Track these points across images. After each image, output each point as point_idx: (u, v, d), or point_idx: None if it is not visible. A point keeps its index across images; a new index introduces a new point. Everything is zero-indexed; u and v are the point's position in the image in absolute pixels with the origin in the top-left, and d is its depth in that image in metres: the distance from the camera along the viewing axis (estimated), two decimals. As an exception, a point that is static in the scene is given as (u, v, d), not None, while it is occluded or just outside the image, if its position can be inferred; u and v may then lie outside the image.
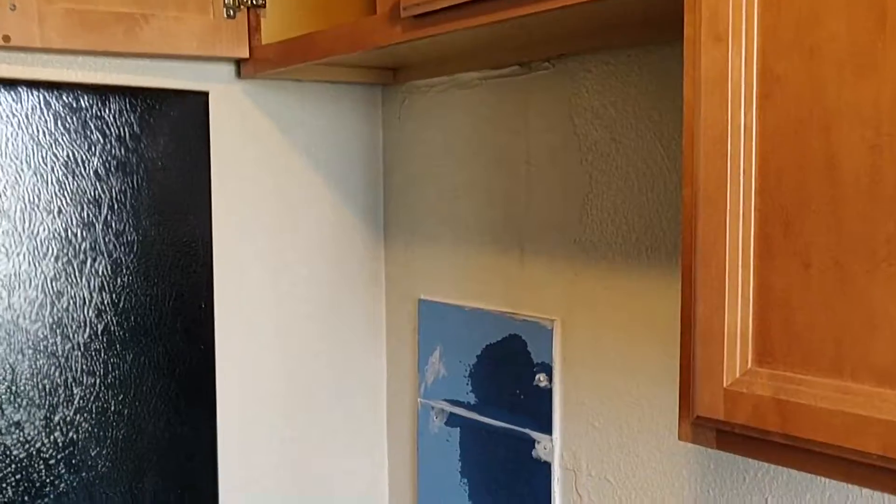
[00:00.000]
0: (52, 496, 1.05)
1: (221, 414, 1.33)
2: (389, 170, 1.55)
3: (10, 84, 1.08)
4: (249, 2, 1.31)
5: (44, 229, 1.00)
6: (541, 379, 1.29)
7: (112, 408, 1.10)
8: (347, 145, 1.51)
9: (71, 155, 1.01)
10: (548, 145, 1.28)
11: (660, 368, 1.16)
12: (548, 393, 1.28)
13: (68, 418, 1.05)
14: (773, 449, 0.71)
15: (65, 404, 1.04)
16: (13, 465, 1.04)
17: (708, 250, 0.74)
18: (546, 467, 1.28)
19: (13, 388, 1.03)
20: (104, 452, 1.09)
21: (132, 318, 1.10)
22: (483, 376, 1.38)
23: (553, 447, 1.27)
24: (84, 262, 1.02)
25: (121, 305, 1.08)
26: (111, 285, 1.06)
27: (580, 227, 1.25)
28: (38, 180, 1.03)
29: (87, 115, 1.03)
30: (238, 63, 1.38)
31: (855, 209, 0.66)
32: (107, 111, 1.03)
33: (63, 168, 1.01)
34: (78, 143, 1.01)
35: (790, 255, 0.70)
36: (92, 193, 1.04)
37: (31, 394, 1.02)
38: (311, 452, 1.48)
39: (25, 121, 1.04)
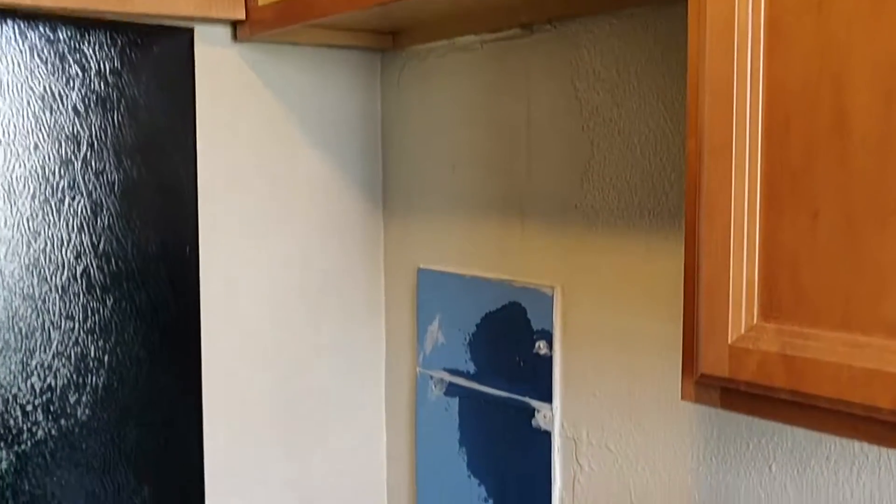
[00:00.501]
0: (29, 443, 1.02)
1: (208, 371, 1.30)
2: (388, 137, 1.53)
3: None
4: (244, -38, 1.28)
5: (19, 166, 0.97)
6: (541, 347, 1.27)
7: (92, 354, 1.07)
8: (346, 112, 1.49)
9: (48, 89, 0.98)
10: (549, 110, 1.26)
11: (662, 334, 1.14)
12: (548, 361, 1.26)
13: (46, 363, 1.02)
14: (780, 406, 0.69)
15: (42, 349, 1.02)
16: (-12, 411, 1.02)
17: (712, 204, 0.72)
18: (546, 436, 1.27)
19: (-13, 330, 1.00)
20: (84, 399, 1.07)
21: (113, 261, 1.07)
22: (482, 345, 1.36)
23: (553, 416, 1.26)
24: (62, 202, 0.99)
25: (101, 248, 1.04)
26: (90, 226, 1.03)
27: (581, 192, 1.22)
28: (12, 115, 0.99)
29: (66, 49, 1.00)
30: (234, 25, 1.35)
31: (865, 161, 0.64)
32: (86, 44, 1.00)
33: (40, 102, 0.98)
34: (56, 76, 0.98)
35: (798, 209, 0.67)
36: (70, 130, 1.01)
37: (7, 337, 1.00)
38: (306, 421, 1.47)
39: (-1, 52, 1.00)
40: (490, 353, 1.35)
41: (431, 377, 1.44)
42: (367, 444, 1.54)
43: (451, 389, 1.41)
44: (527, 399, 1.29)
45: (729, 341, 0.71)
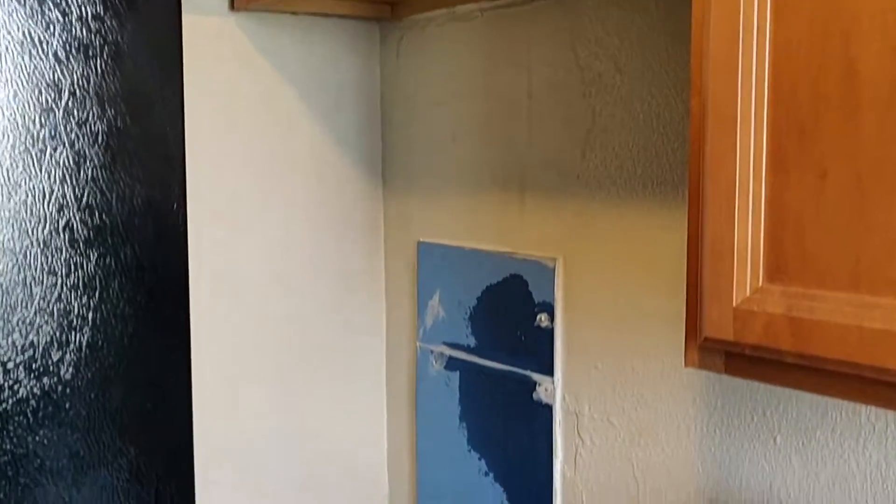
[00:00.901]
0: (10, 402, 1.00)
1: (198, 336, 1.27)
2: (387, 108, 1.51)
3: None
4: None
5: (-2, 114, 0.95)
6: (542, 319, 1.25)
7: (75, 310, 1.05)
8: (344, 83, 1.46)
9: (27, 34, 0.95)
10: (550, 79, 1.24)
11: (665, 306, 1.12)
12: (549, 333, 1.24)
13: (27, 319, 1.00)
14: (786, 371, 0.68)
15: (23, 305, 0.99)
16: (-34, 368, 1.00)
17: (717, 164, 0.70)
18: (547, 410, 1.25)
19: (-34, 284, 0.98)
20: (67, 357, 1.04)
21: (97, 215, 1.04)
22: (483, 318, 1.34)
23: (554, 389, 1.24)
24: (43, 152, 0.96)
25: (84, 201, 1.02)
26: (73, 178, 1.00)
27: (583, 162, 1.20)
28: (-11, 60, 0.96)
29: (45, -9, 0.97)
30: (229, -6, 1.33)
31: (875, 118, 0.62)
32: (67, -13, 0.97)
33: (18, 47, 0.95)
34: (35, 21, 0.95)
35: (805, 167, 0.65)
36: (51, 77, 0.98)
37: (-14, 292, 0.98)
38: (305, 396, 1.45)
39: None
40: (491, 327, 1.33)
41: (432, 351, 1.43)
42: (368, 419, 1.53)
43: (452, 363, 1.39)
44: (528, 372, 1.28)
45: (734, 304, 0.69)
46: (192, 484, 1.21)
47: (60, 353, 1.03)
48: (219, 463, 1.36)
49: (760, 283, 0.68)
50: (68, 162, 1.00)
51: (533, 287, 1.26)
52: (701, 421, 1.09)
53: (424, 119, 1.44)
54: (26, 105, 0.97)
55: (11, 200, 0.96)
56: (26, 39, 0.95)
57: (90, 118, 1.01)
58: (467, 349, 1.37)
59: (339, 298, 1.48)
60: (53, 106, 0.98)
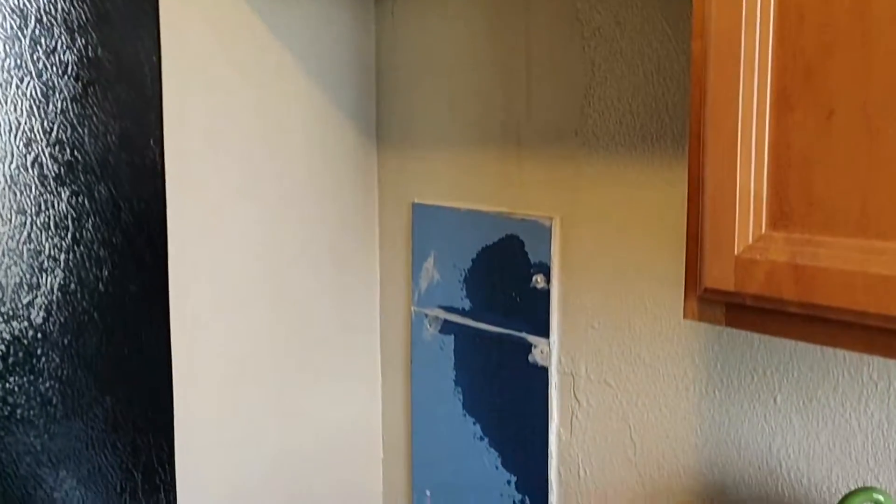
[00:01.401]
0: None
1: (177, 282, 1.22)
2: (382, 69, 1.47)
3: None
4: None
5: (-44, 41, 0.91)
6: (538, 280, 1.23)
7: (46, 251, 1.01)
8: (338, 45, 1.42)
9: None
10: (548, 33, 1.20)
11: (664, 264, 1.10)
12: (545, 294, 1.22)
13: None
14: (789, 321, 0.65)
15: None
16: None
17: (719, 107, 0.67)
18: (543, 372, 1.23)
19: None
20: (38, 301, 1.00)
21: (67, 150, 1.00)
22: (478, 280, 1.32)
23: (550, 351, 1.22)
24: (8, 83, 0.92)
25: (54, 135, 0.97)
26: (41, 111, 0.96)
27: (581, 118, 1.17)
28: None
29: None
30: (217, -53, 1.29)
31: (887, 48, 0.58)
32: None
33: None
34: None
35: (811, 107, 0.62)
36: (14, 2, 0.93)
37: (-52, 229, 0.95)
38: (297, 361, 1.43)
39: None
40: (486, 289, 1.31)
41: (426, 315, 1.40)
42: (362, 384, 1.50)
43: (447, 327, 1.37)
44: (523, 334, 1.25)
45: (735, 253, 0.66)
46: (172, 436, 1.18)
47: (30, 296, 0.99)
48: (202, 425, 1.32)
49: (763, 231, 0.65)
50: (36, 94, 0.95)
51: (529, 247, 1.24)
52: (700, 381, 1.07)
53: (420, 76, 1.40)
54: (-12, 33, 0.93)
55: (-26, 134, 0.93)
56: (-14, -38, 0.91)
57: (59, 47, 0.97)
58: (462, 312, 1.34)
59: (332, 263, 1.45)
60: (19, 34, 0.93)
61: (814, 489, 0.97)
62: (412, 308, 1.43)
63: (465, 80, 1.32)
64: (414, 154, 1.42)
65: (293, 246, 1.40)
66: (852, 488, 0.93)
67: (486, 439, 1.32)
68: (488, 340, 1.30)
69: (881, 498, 0.78)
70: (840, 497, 0.94)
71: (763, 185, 0.65)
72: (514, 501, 1.29)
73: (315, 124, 1.41)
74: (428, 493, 1.43)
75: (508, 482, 1.29)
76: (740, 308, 0.68)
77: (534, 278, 1.23)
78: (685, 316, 0.72)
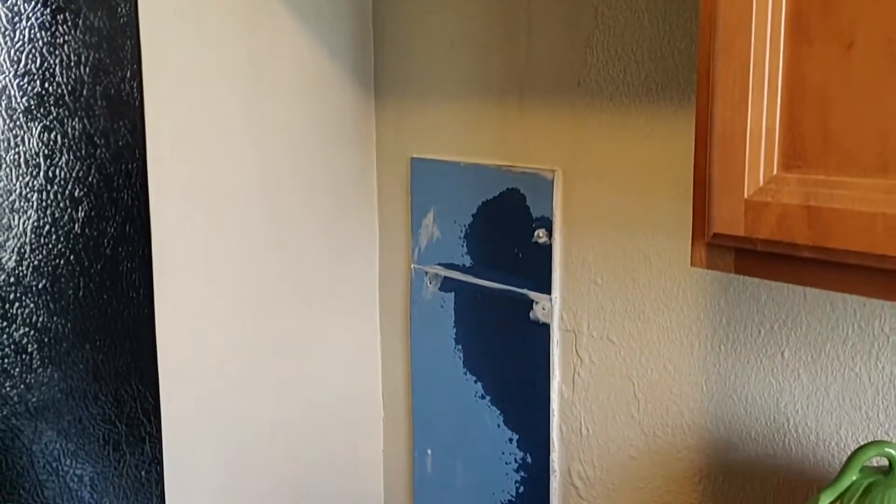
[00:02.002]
0: None
1: (160, 218, 1.15)
2: (379, 16, 1.42)
3: None
4: None
5: None
6: (540, 235, 1.20)
7: (17, 191, 0.96)
8: (331, -9, 1.38)
9: None
10: (549, -23, 1.16)
11: (669, 217, 1.06)
12: (547, 250, 1.19)
13: None
14: (801, 267, 0.62)
15: None
16: None
17: (729, 38, 0.63)
18: (545, 329, 1.21)
19: None
20: (10, 244, 0.96)
21: (37, 82, 0.95)
22: (479, 236, 1.29)
23: (552, 307, 1.19)
24: None
25: (22, 65, 0.93)
26: (8, 39, 0.90)
27: (584, 67, 1.13)
28: None
29: None
30: None
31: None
32: None
33: None
34: None
35: (829, 37, 0.59)
36: None
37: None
38: (295, 320, 1.40)
39: None
40: (487, 245, 1.28)
41: (426, 273, 1.38)
42: (361, 343, 1.48)
43: (447, 284, 1.34)
44: (525, 291, 1.22)
45: (745, 195, 0.63)
46: (157, 386, 1.15)
47: (1, 238, 0.96)
48: (190, 377, 1.28)
49: (775, 172, 0.62)
50: (0, 20, 0.91)
51: (531, 201, 1.20)
52: (705, 337, 1.04)
53: (418, 25, 1.36)
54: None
55: (-69, 66, 0.88)
56: None
57: (22, -33, 0.92)
58: (462, 269, 1.31)
59: (329, 219, 1.42)
60: (-24, -48, 0.88)
61: (822, 444, 0.94)
62: (412, 265, 1.40)
63: (465, 29, 1.28)
64: (412, 107, 1.38)
65: (288, 204, 1.37)
66: (862, 443, 0.91)
67: (488, 398, 1.30)
68: (489, 297, 1.28)
69: (893, 452, 0.76)
70: (849, 452, 0.91)
71: (775, 122, 0.61)
72: (515, 459, 1.27)
73: (310, 75, 1.37)
74: (429, 451, 1.41)
75: (510, 440, 1.27)
76: (750, 254, 0.65)
77: (535, 233, 1.20)
78: (692, 263, 0.69)
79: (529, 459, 1.25)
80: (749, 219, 0.63)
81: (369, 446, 1.51)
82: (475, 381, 1.32)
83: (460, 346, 1.34)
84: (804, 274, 0.62)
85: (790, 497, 0.98)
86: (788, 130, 0.61)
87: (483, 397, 1.31)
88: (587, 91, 1.13)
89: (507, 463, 1.28)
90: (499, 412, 1.29)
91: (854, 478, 0.76)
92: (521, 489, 1.27)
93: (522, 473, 1.26)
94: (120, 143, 1.05)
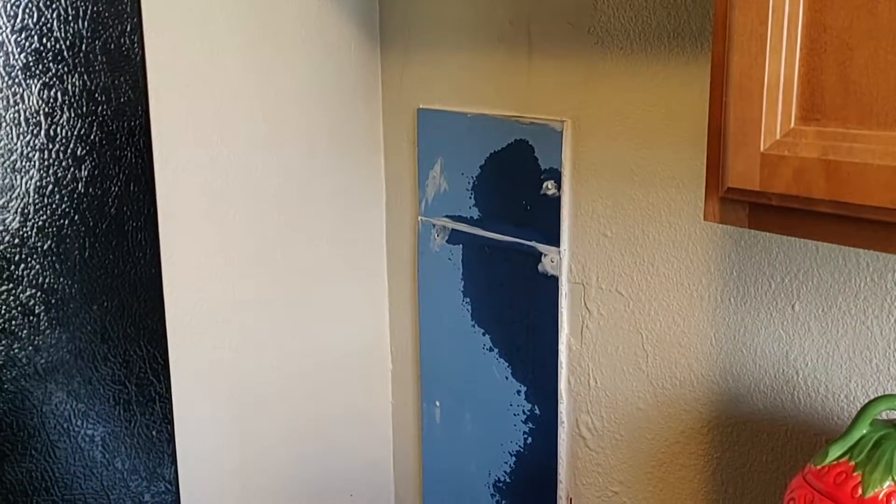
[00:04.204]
0: None
1: (164, 176, 1.13)
2: (382, -36, 1.39)
3: None
4: None
5: None
6: (548, 187, 1.18)
7: (18, 150, 0.95)
8: (335, -64, 1.34)
9: None
10: (559, -80, 1.12)
11: (680, 168, 1.05)
12: (556, 202, 1.18)
13: None
14: (818, 222, 0.61)
15: None
16: None
17: (749, -13, 0.61)
18: (553, 281, 1.20)
19: None
20: (12, 205, 0.95)
21: (35, 37, 0.93)
22: (487, 188, 1.27)
23: (561, 260, 1.19)
24: None
25: (18, 21, 0.91)
26: None
27: (595, 14, 1.10)
28: None
29: None
30: None
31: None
32: None
33: None
34: None
35: (852, -15, 0.57)
36: None
37: None
38: (302, 275, 1.40)
39: None
40: (495, 197, 1.26)
41: (434, 225, 1.37)
42: (368, 296, 1.48)
43: (454, 237, 1.33)
44: (533, 243, 1.22)
45: (761, 148, 0.61)
46: (166, 346, 1.15)
47: (3, 198, 0.94)
48: (199, 337, 1.28)
49: (792, 125, 0.61)
50: None
51: (539, 153, 1.19)
52: (715, 289, 1.04)
53: (422, -26, 1.32)
54: None
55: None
56: None
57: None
58: (470, 221, 1.30)
59: (335, 172, 1.40)
60: None
61: (831, 397, 0.94)
62: (419, 218, 1.39)
63: (471, -25, 1.25)
64: (418, 57, 1.36)
65: (293, 157, 1.35)
66: (872, 396, 0.90)
67: (496, 350, 1.30)
68: (497, 250, 1.27)
69: (904, 406, 0.75)
70: (859, 405, 0.91)
71: (794, 73, 0.60)
72: (523, 412, 1.27)
73: (313, 23, 1.34)
74: (438, 403, 1.42)
75: (518, 392, 1.28)
76: (765, 208, 0.64)
77: (544, 185, 1.19)
78: (706, 218, 0.67)
79: (538, 411, 1.25)
80: (765, 173, 0.61)
81: (378, 398, 1.52)
82: (483, 334, 1.32)
83: (468, 299, 1.33)
84: (820, 229, 0.61)
85: (798, 449, 0.98)
86: (807, 81, 0.59)
87: (491, 350, 1.31)
88: (597, 39, 1.11)
89: (515, 414, 1.29)
90: (507, 364, 1.29)
91: (864, 431, 0.76)
92: (530, 440, 1.27)
93: (530, 425, 1.27)
94: (122, 100, 1.03)
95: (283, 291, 1.37)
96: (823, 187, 0.58)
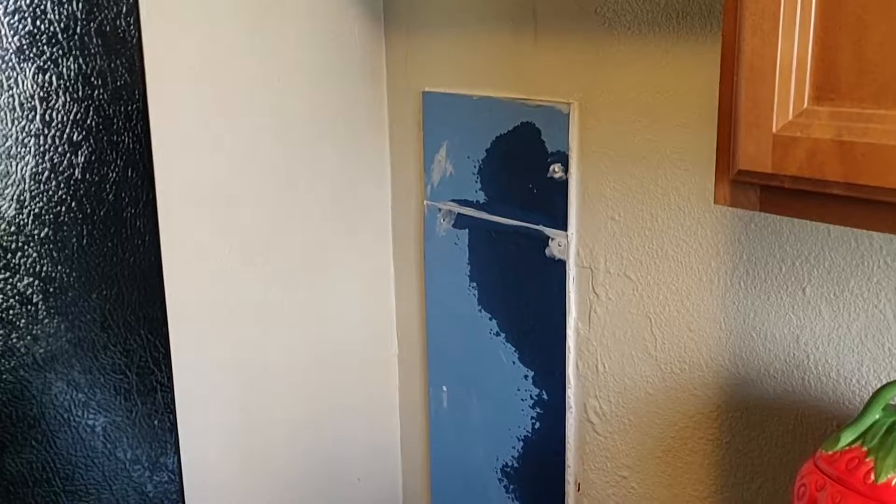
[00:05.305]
0: None
1: (163, 162, 1.11)
2: (386, -55, 1.37)
3: None
4: None
5: None
6: (555, 170, 1.17)
7: (13, 136, 0.93)
8: (337, -83, 1.33)
9: None
10: None
11: (690, 153, 1.03)
12: (563, 185, 1.16)
13: None
14: (831, 204, 0.60)
15: None
16: None
17: (761, -37, 0.59)
18: (560, 266, 1.19)
19: None
20: (8, 192, 0.94)
21: (28, 20, 0.92)
22: (493, 172, 1.26)
23: (568, 244, 1.17)
24: None
25: (11, 2, 0.88)
26: None
27: (602, -6, 1.09)
28: None
29: None
30: None
31: None
32: None
33: None
34: None
35: (867, -40, 0.55)
36: None
37: None
38: (306, 260, 1.39)
39: None
40: (501, 181, 1.25)
41: (439, 209, 1.35)
42: (374, 281, 1.47)
43: (461, 221, 1.32)
44: (540, 227, 1.20)
45: (773, 130, 0.60)
46: (167, 335, 1.14)
47: (0, 185, 0.94)
48: (200, 325, 1.27)
49: (805, 105, 0.59)
50: None
51: (546, 135, 1.17)
52: (725, 273, 1.02)
53: (427, -46, 1.31)
54: None
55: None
56: None
57: None
58: (476, 205, 1.29)
59: (339, 158, 1.39)
60: None
61: (843, 382, 0.93)
62: (424, 202, 1.38)
63: (476, -44, 1.23)
64: (423, 39, 1.34)
65: (296, 141, 1.34)
66: (885, 381, 0.89)
67: (503, 335, 1.29)
68: (504, 234, 1.26)
69: (918, 391, 0.74)
70: (871, 390, 0.90)
71: (807, 52, 0.58)
72: (531, 396, 1.27)
73: (318, 8, 1.32)
74: (444, 388, 1.41)
75: (525, 377, 1.27)
76: (777, 191, 0.62)
77: (551, 168, 1.17)
78: (716, 201, 0.66)
79: (545, 396, 1.25)
80: (777, 155, 0.60)
81: (384, 383, 1.51)
82: (490, 319, 1.31)
83: (475, 284, 1.32)
84: (834, 212, 0.60)
85: (808, 434, 0.97)
86: (821, 60, 0.58)
87: (498, 335, 1.30)
88: (604, 20, 1.09)
89: (522, 399, 1.28)
90: (514, 349, 1.28)
91: (877, 416, 0.75)
92: (537, 425, 1.27)
93: (538, 410, 1.26)
94: (118, 84, 1.02)
95: (286, 277, 1.37)
96: (837, 169, 0.57)
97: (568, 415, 1.23)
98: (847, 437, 0.75)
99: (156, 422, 1.16)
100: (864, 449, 0.73)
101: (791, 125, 0.59)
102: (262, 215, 1.32)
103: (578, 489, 1.25)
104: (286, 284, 1.36)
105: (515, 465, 1.31)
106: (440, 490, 1.46)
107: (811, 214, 0.61)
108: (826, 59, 0.57)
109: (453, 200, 1.33)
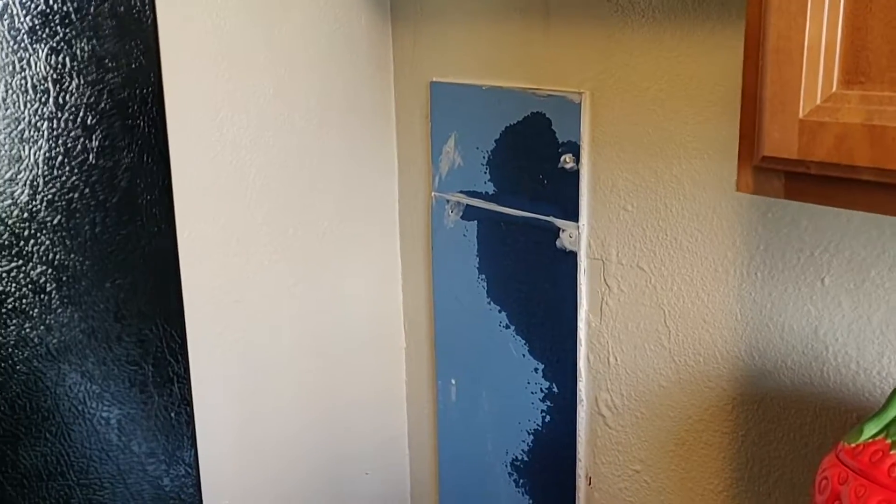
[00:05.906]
0: None
1: (178, 147, 1.09)
2: (393, -67, 1.35)
3: None
4: None
5: None
6: (566, 160, 1.15)
7: (26, 119, 0.91)
8: None
9: None
10: None
11: (705, 142, 1.01)
12: (574, 176, 1.15)
13: None
14: (860, 190, 0.58)
15: None
16: None
17: (787, -57, 0.57)
18: (571, 257, 1.17)
19: None
20: (21, 177, 0.92)
21: (41, 0, 0.90)
22: (502, 163, 1.24)
23: (579, 235, 1.16)
24: None
25: None
26: None
27: (614, -20, 1.07)
28: None
29: None
30: None
31: None
32: None
33: None
34: None
35: (899, -62, 0.53)
36: None
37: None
38: (314, 252, 1.38)
39: None
40: (511, 171, 1.23)
41: (448, 201, 1.34)
42: (382, 273, 1.46)
43: (469, 213, 1.31)
44: (550, 219, 1.19)
45: (800, 115, 0.58)
46: (183, 325, 1.12)
47: (11, 170, 0.91)
48: (216, 315, 1.26)
49: (834, 89, 0.57)
50: None
51: (557, 125, 1.16)
52: (741, 264, 1.01)
53: (434, -58, 1.29)
54: None
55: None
56: None
57: None
58: (485, 197, 1.28)
59: (346, 148, 1.37)
60: None
61: (863, 373, 0.91)
62: (432, 194, 1.36)
63: (485, -58, 1.21)
64: (431, 28, 1.32)
65: (304, 131, 1.32)
66: (906, 373, 0.88)
67: (513, 327, 1.28)
68: (513, 226, 1.24)
69: (943, 382, 0.72)
70: (893, 382, 0.89)
71: (837, 34, 0.56)
72: (541, 390, 1.25)
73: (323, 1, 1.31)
74: (453, 381, 1.40)
75: (536, 370, 1.25)
76: (802, 177, 0.61)
77: (562, 158, 1.16)
78: (738, 189, 0.65)
79: (556, 389, 1.23)
80: (803, 140, 0.58)
81: (392, 376, 1.50)
82: (499, 311, 1.29)
83: (484, 276, 1.31)
84: (861, 198, 0.58)
85: (827, 427, 0.96)
86: (851, 43, 0.56)
87: (507, 327, 1.29)
88: (617, 7, 1.07)
89: (532, 392, 1.26)
90: (524, 342, 1.27)
91: (901, 409, 0.73)
92: (548, 418, 1.25)
93: (549, 403, 1.25)
94: (133, 66, 0.99)
95: (298, 268, 1.35)
96: (867, 154, 0.55)
97: (579, 408, 1.21)
98: (870, 430, 0.73)
99: (172, 414, 1.14)
100: (888, 442, 0.71)
101: (819, 110, 0.58)
102: (273, 205, 1.30)
103: (590, 483, 1.23)
104: (298, 274, 1.35)
105: (525, 458, 1.30)
106: (448, 484, 1.45)
107: (838, 201, 0.59)
108: (856, 42, 0.56)
109: (462, 192, 1.31)
